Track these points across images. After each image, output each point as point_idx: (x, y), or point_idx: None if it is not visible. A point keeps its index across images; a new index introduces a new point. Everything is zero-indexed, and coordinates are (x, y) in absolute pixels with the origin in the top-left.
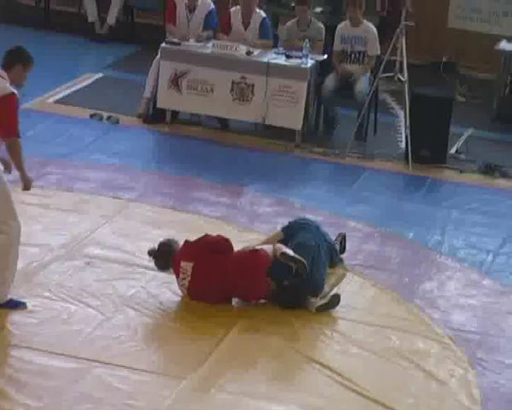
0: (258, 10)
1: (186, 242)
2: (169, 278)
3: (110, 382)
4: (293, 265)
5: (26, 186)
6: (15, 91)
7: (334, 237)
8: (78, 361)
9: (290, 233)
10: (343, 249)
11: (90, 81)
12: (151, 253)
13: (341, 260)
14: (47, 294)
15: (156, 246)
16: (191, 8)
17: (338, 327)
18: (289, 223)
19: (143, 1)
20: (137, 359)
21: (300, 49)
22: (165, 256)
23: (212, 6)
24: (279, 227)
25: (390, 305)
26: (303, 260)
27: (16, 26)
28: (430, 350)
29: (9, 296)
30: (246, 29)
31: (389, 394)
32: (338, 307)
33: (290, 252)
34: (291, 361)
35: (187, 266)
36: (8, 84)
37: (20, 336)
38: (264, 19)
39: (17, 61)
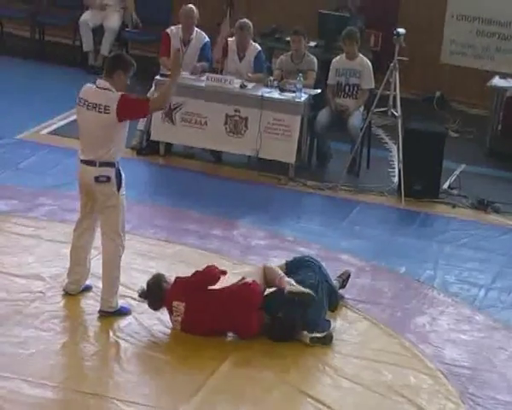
0: (253, 43)
1: (177, 279)
2: (161, 310)
3: None
4: (298, 298)
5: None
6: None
7: (338, 273)
8: (70, 393)
9: (294, 268)
10: (343, 286)
11: None
12: (142, 295)
13: (342, 296)
14: (39, 325)
15: (145, 286)
16: (185, 42)
17: (330, 361)
18: (294, 258)
19: (138, 33)
20: (129, 391)
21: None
22: (156, 298)
23: (207, 39)
24: (283, 260)
25: (382, 339)
26: (310, 291)
27: (11, 57)
28: (422, 385)
29: (119, 304)
30: (240, 61)
31: None
32: None
33: (297, 288)
34: (283, 395)
35: (179, 305)
36: (112, 92)
37: (11, 367)
38: (259, 52)
39: (116, 67)
